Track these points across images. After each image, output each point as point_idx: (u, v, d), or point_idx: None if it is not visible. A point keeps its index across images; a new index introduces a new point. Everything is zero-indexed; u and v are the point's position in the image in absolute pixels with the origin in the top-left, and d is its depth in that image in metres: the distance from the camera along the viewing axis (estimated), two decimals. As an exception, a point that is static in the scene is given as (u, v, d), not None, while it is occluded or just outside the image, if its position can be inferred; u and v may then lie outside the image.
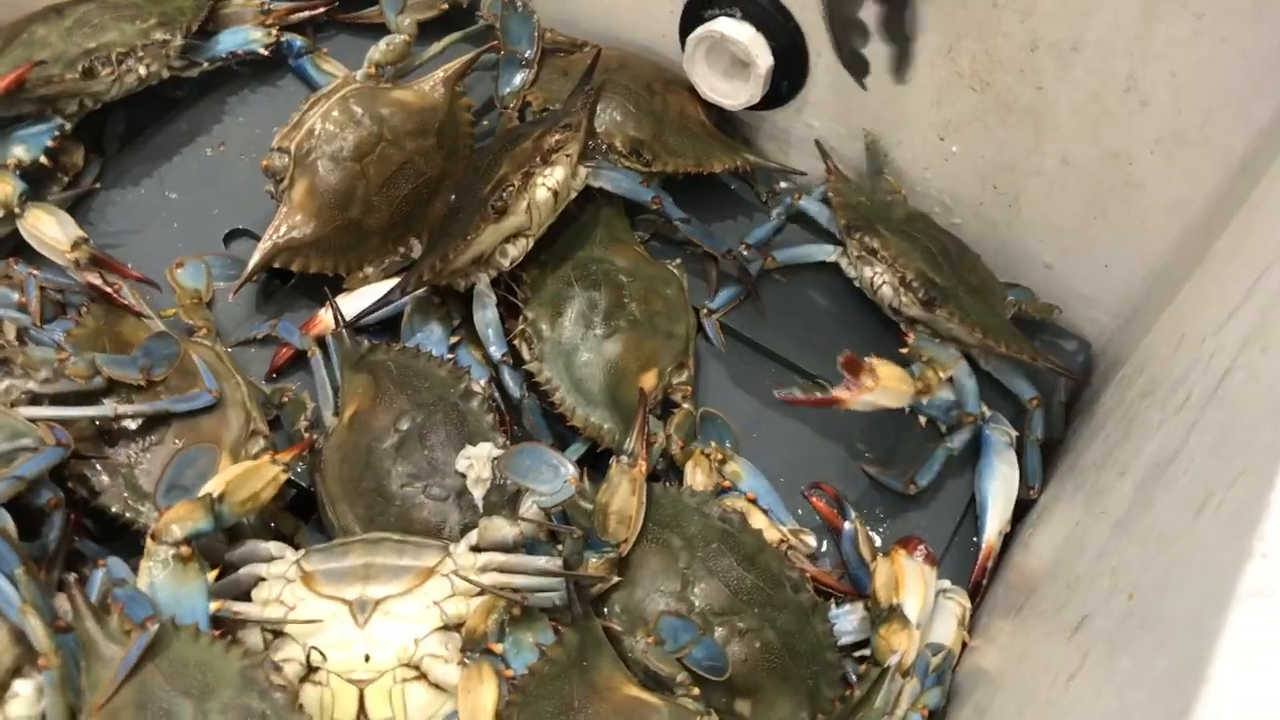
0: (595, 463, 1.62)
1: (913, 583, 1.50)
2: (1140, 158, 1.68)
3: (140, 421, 1.50)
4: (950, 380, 1.70)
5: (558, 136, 1.64)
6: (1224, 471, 0.95)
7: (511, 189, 1.61)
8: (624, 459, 1.45)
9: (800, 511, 1.67)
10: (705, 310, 1.82)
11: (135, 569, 1.34)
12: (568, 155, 1.66)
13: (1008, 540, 1.69)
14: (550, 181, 1.64)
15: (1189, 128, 1.60)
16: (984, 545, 1.66)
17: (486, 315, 1.65)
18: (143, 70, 1.82)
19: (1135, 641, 0.93)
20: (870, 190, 1.91)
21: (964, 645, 1.56)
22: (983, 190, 1.87)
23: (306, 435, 1.57)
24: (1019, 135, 1.76)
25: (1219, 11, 1.49)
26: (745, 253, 1.85)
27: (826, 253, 1.88)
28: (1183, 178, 1.65)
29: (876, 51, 1.79)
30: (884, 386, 1.50)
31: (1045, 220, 1.83)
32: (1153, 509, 1.00)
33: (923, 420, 1.74)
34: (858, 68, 1.81)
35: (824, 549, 1.65)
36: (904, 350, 1.69)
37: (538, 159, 1.63)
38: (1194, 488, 1.00)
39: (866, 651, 1.51)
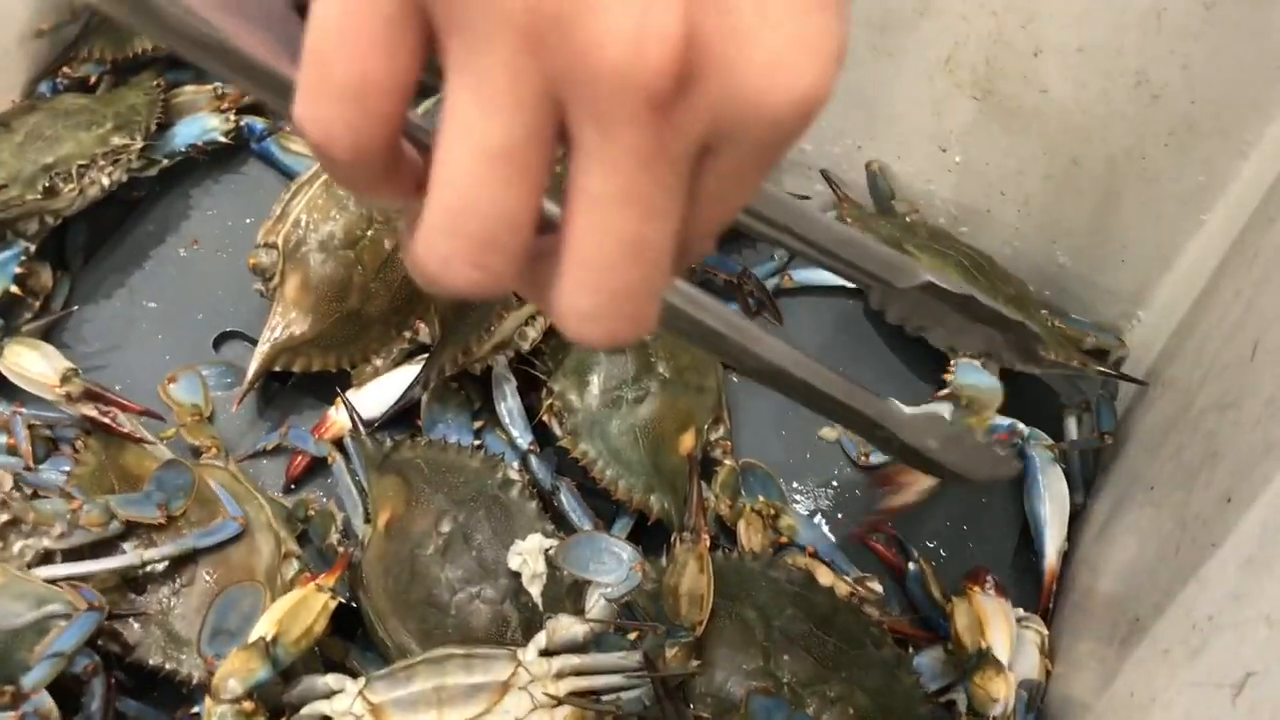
0: (640, 536, 1.55)
1: (996, 621, 1.45)
2: (1153, 152, 1.64)
3: (167, 563, 1.40)
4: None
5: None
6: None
7: (531, 270, 1.52)
8: (686, 536, 1.39)
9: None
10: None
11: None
12: (581, 223, 1.57)
13: (1066, 556, 1.64)
14: (568, 255, 1.55)
15: (1203, 118, 1.57)
16: (1046, 569, 1.61)
17: (509, 403, 1.56)
18: (105, 180, 1.69)
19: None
20: (884, 215, 1.86)
21: (1048, 673, 1.51)
22: (989, 197, 1.82)
23: (342, 550, 1.47)
24: (1025, 140, 1.71)
25: None
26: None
27: (845, 278, 1.83)
28: (1198, 168, 1.62)
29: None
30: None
31: (1056, 223, 1.79)
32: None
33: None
34: None
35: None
36: (943, 391, 1.60)
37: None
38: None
39: (951, 696, 1.47)
